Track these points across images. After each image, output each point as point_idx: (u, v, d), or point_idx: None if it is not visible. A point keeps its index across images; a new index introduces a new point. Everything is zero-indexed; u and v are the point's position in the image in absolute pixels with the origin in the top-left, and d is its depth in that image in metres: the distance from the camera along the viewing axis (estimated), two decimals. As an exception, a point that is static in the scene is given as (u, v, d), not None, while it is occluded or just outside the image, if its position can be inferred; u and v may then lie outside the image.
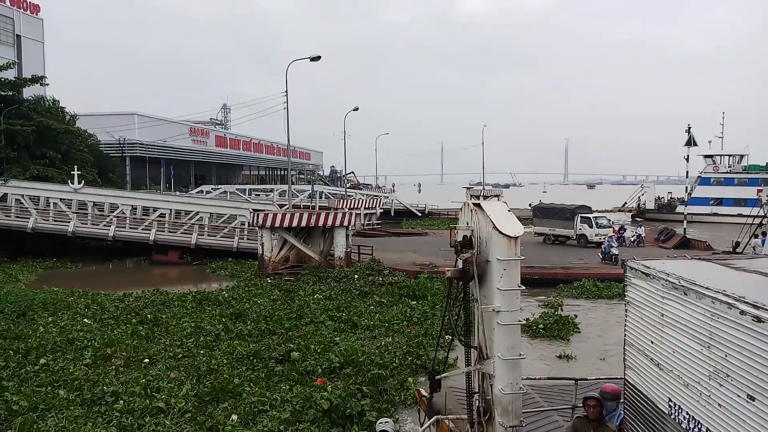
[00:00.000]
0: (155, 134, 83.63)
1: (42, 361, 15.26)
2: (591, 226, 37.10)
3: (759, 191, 31.36)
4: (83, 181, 44.20)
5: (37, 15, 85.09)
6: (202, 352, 16.18)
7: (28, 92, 55.19)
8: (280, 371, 14.34)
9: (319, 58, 32.91)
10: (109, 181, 56.94)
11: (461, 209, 7.42)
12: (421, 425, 8.25)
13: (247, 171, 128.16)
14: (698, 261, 6.99)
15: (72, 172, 43.74)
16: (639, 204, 62.20)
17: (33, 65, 73.69)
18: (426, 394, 8.88)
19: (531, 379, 9.69)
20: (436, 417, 8.21)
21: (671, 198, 63.02)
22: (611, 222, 40.18)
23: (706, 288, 5.10)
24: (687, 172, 44.99)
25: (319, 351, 15.82)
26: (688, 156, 42.66)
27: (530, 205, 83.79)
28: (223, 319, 19.74)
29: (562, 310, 21.17)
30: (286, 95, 32.23)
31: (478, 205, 6.90)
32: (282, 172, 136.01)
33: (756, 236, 26.59)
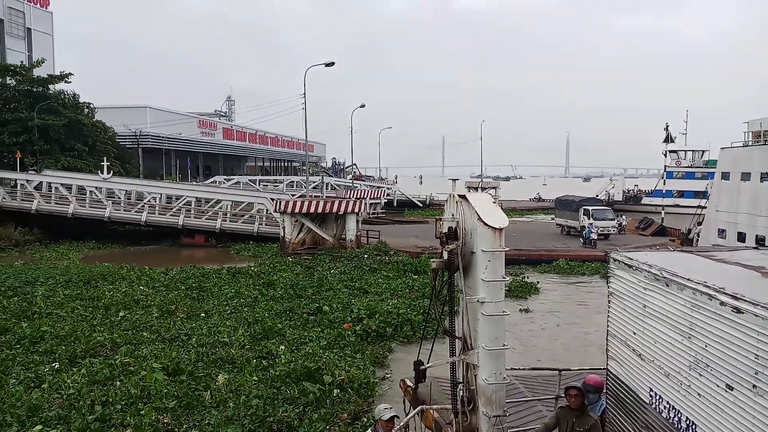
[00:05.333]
0: (165, 126, 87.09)
1: (121, 314, 19.27)
2: (589, 218, 39.26)
3: (708, 184, 35.02)
4: (111, 172, 48.23)
5: (46, 8, 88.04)
6: (245, 309, 20.18)
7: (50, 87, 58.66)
8: (313, 320, 18.45)
9: (333, 63, 36.75)
10: (126, 171, 60.85)
11: (446, 201, 7.39)
12: (406, 415, 8.26)
13: (252, 163, 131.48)
14: (680, 253, 7.05)
15: (101, 163, 47.79)
16: (608, 196, 66.13)
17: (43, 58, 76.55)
18: (411, 384, 8.93)
19: (515, 369, 10.11)
20: (420, 407, 8.26)
21: (638, 190, 67.32)
22: (615, 215, 42.63)
23: (687, 279, 5.10)
24: (665, 167, 48.97)
25: (340, 308, 19.82)
26: (666, 152, 46.54)
27: (536, 196, 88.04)
28: (257, 287, 23.76)
29: (527, 278, 26.59)
30: (305, 98, 36.19)
31: (463, 197, 6.91)
32: (285, 164, 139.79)
33: (699, 224, 30.47)
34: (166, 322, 18.55)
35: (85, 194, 43.56)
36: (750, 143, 27.36)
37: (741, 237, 24.74)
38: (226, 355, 14.88)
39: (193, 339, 16.40)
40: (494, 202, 6.98)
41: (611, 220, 40.96)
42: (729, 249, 8.46)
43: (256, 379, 13.16)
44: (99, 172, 47.39)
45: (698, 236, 29.24)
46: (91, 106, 60.95)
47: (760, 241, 22.65)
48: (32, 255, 34.87)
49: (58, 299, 21.46)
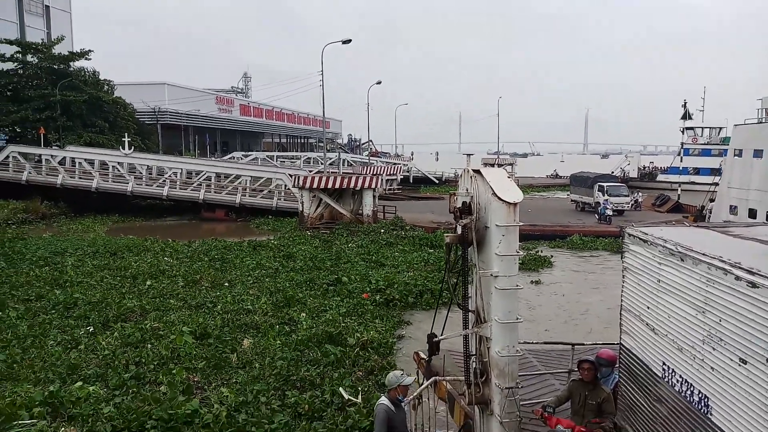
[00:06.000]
0: (183, 103, 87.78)
1: (148, 283, 20.10)
2: (603, 194, 39.47)
3: (722, 161, 35.08)
4: (132, 147, 49.16)
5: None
6: (267, 279, 20.94)
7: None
8: (333, 290, 19.17)
9: (350, 41, 37.05)
10: (146, 147, 61.72)
11: (461, 176, 7.43)
12: (419, 386, 8.38)
13: (269, 139, 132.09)
14: (696, 228, 6.92)
15: (122, 139, 48.76)
16: (623, 173, 65.75)
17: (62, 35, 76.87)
18: (425, 357, 9.06)
19: (528, 343, 10.25)
20: (433, 378, 8.38)
21: (653, 167, 67.10)
22: (629, 191, 42.90)
23: (703, 254, 5.09)
24: (682, 144, 48.84)
25: (358, 279, 20.50)
26: (683, 129, 46.37)
27: (553, 173, 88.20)
28: (278, 259, 24.51)
29: (540, 252, 27.21)
30: (322, 75, 36.66)
31: (477, 172, 6.88)
32: (302, 140, 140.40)
33: (712, 201, 30.70)
34: (191, 290, 19.36)
35: (108, 169, 44.47)
36: (763, 120, 27.42)
37: (752, 213, 24.98)
38: (250, 321, 15.66)
39: (218, 306, 17.19)
40: (509, 178, 6.94)
41: (625, 196, 41.21)
42: (745, 225, 8.32)
43: (280, 343, 13.90)
44: (120, 147, 48.35)
45: (710, 213, 29.48)
46: (111, 83, 61.74)
47: None
48: (59, 227, 35.97)
49: (87, 269, 22.38)
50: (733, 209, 26.33)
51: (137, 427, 9.69)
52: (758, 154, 25.68)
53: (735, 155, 27.74)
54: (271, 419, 9.78)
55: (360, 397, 10.53)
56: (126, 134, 49.63)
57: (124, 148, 47.34)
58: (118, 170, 44.35)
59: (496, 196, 6.41)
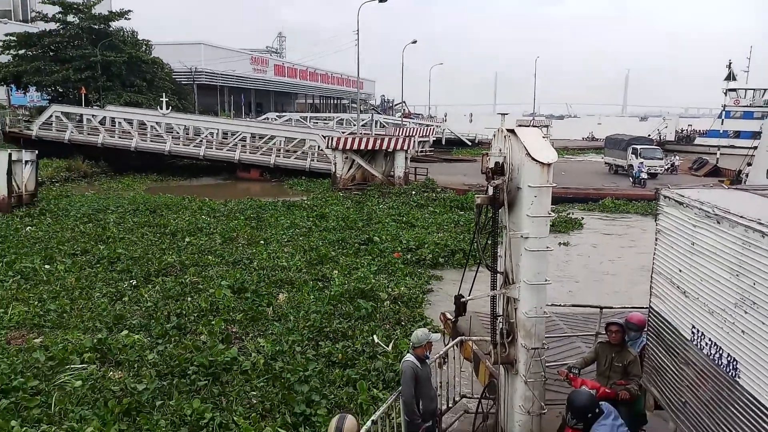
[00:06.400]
0: (218, 63, 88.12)
1: (187, 239, 20.83)
2: (637, 157, 39.15)
3: (762, 125, 34.14)
4: (170, 107, 49.91)
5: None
6: (301, 238, 21.50)
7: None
8: (364, 249, 19.64)
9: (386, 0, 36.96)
10: (182, 107, 62.40)
11: (494, 136, 7.30)
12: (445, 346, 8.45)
13: (302, 100, 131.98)
14: (733, 190, 6.90)
15: (160, 99, 49.48)
16: (660, 136, 64.31)
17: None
18: (451, 318, 9.24)
19: (556, 305, 10.12)
20: (459, 338, 8.46)
21: (692, 130, 65.49)
22: (663, 154, 42.49)
23: (740, 217, 5.04)
24: (723, 106, 47.39)
25: (389, 239, 20.92)
26: (726, 90, 45.01)
27: (589, 135, 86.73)
28: (311, 219, 25.06)
29: (572, 214, 27.48)
30: (357, 36, 36.59)
31: (511, 131, 6.75)
32: (335, 101, 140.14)
33: (749, 164, 30.07)
34: (228, 247, 20.02)
35: (146, 129, 45.39)
36: None
37: None
38: (285, 277, 16.24)
39: (255, 263, 17.82)
40: (544, 138, 6.82)
41: (660, 159, 40.72)
42: None
43: (314, 297, 14.45)
44: (158, 107, 49.16)
45: (747, 177, 28.94)
46: (149, 42, 62.34)
47: None
48: (100, 186, 37.16)
49: (128, 225, 23.23)
50: None
51: (180, 373, 10.31)
52: None
53: None
54: (305, 367, 10.32)
55: (391, 345, 11.08)
56: (164, 94, 50.37)
57: (161, 108, 48.08)
58: (156, 130, 45.20)
59: (530, 156, 6.31)
